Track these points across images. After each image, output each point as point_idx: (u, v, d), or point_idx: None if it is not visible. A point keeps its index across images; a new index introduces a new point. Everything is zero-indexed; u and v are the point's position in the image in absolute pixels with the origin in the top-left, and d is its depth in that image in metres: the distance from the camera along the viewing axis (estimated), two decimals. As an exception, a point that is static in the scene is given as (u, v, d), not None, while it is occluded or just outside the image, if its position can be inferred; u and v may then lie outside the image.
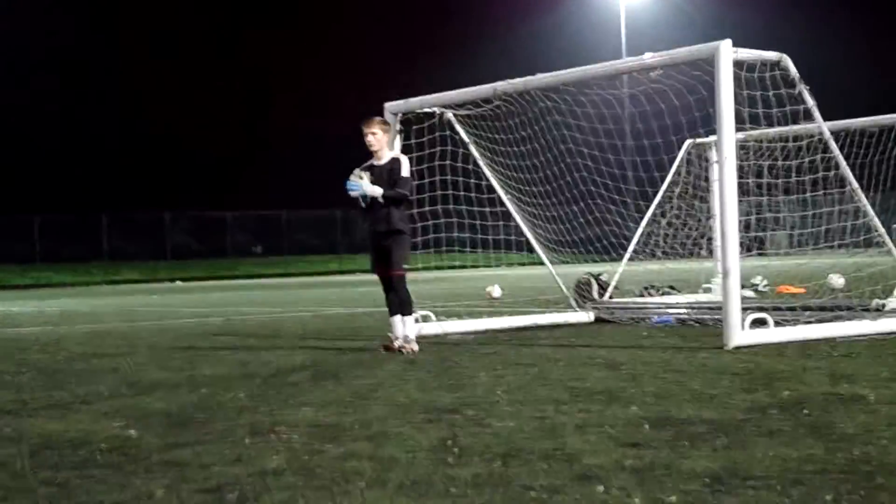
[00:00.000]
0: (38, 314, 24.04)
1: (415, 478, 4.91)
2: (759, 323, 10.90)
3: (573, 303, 15.34)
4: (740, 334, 10.41)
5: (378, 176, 11.31)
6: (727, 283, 10.58)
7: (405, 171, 11.33)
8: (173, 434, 6.33)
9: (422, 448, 5.62)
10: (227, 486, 4.87)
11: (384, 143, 11.50)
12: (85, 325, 18.80)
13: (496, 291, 22.17)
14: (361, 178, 11.15)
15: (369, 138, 11.41)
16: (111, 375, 9.85)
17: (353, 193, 11.22)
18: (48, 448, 6.02)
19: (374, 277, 11.64)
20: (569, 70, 13.05)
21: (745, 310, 10.77)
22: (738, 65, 10.98)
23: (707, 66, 11.18)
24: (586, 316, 14.68)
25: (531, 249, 15.69)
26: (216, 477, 5.07)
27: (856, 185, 12.72)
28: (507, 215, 15.20)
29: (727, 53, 10.77)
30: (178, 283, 55.19)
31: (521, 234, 15.49)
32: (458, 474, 4.95)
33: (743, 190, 11.62)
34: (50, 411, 7.57)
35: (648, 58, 12.09)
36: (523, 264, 24.55)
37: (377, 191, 11.10)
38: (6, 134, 72.52)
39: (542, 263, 15.93)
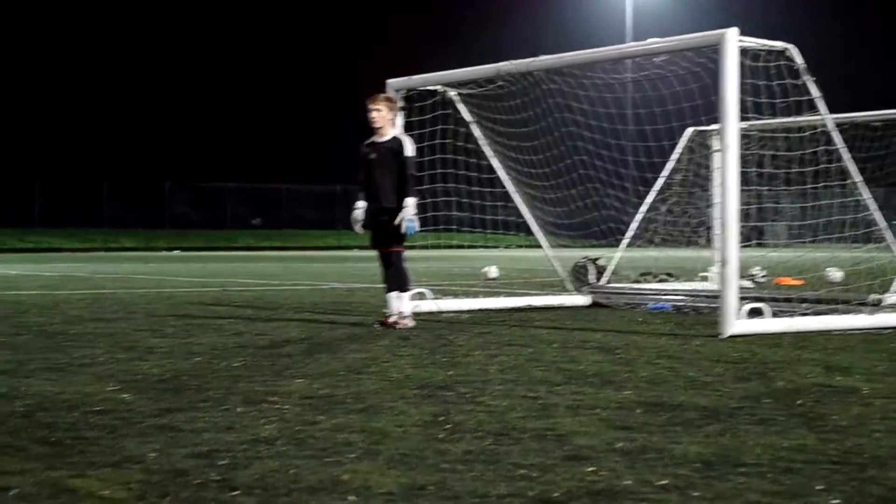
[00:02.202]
0: (36, 278, 24.05)
1: (406, 451, 4.93)
2: (755, 313, 10.92)
3: (569, 286, 15.36)
4: (736, 323, 10.42)
5: (380, 154, 11.32)
6: (725, 272, 10.60)
7: (409, 150, 11.34)
8: (167, 399, 6.35)
9: (414, 423, 5.64)
10: (219, 452, 4.89)
11: (387, 120, 11.50)
12: (83, 290, 18.81)
13: (493, 272, 22.18)
14: (405, 219, 11.12)
15: (373, 114, 11.41)
16: (107, 340, 9.87)
17: (414, 230, 11.24)
18: (43, 409, 6.03)
19: (372, 253, 11.66)
20: (573, 53, 13.04)
21: (742, 299, 10.78)
22: (743, 53, 10.96)
23: (712, 54, 11.18)
24: (582, 299, 14.70)
25: (529, 231, 15.69)
26: (208, 443, 5.09)
27: (858, 178, 12.72)
28: (507, 196, 15.20)
29: (733, 41, 10.76)
30: (177, 252, 55.22)
31: (520, 215, 15.49)
32: (450, 449, 4.97)
33: (744, 179, 11.60)
34: (46, 373, 7.58)
35: (653, 43, 12.09)
36: (521, 246, 24.59)
37: (412, 208, 11.14)
38: (8, 98, 72.48)
39: (539, 246, 15.93)
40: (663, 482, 4.34)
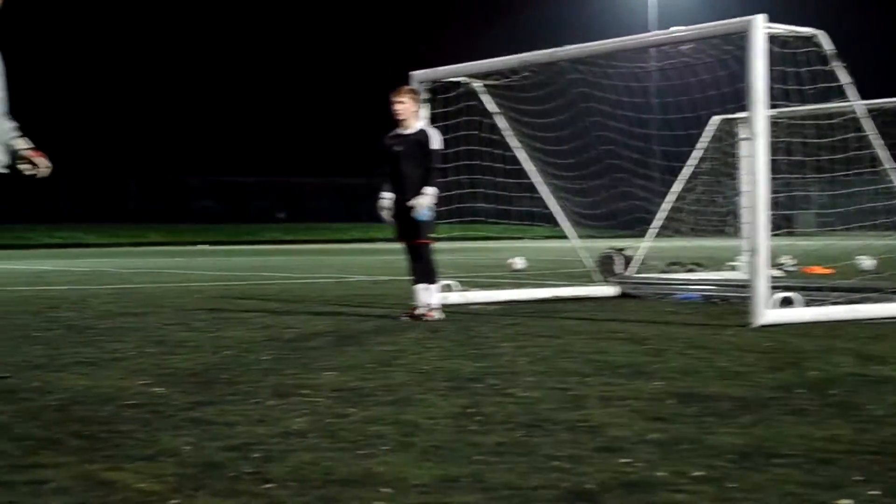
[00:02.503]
0: (66, 273, 24.16)
1: (438, 443, 4.93)
2: (786, 302, 10.86)
3: (597, 276, 15.31)
4: (767, 313, 10.37)
5: (406, 146, 11.31)
6: (755, 262, 10.54)
7: (435, 143, 11.32)
8: (198, 393, 6.37)
9: (445, 415, 5.63)
10: (252, 444, 4.90)
11: (412, 112, 11.49)
12: (112, 284, 18.88)
13: (519, 263, 22.13)
14: (420, 205, 11.12)
15: (397, 107, 11.40)
16: (137, 334, 9.91)
17: (427, 217, 11.23)
18: (77, 403, 6.06)
19: (398, 246, 11.66)
20: (598, 42, 12.99)
21: (772, 289, 10.72)
22: (770, 40, 10.88)
23: (739, 41, 11.11)
24: (610, 290, 14.66)
25: (556, 222, 15.65)
26: (241, 436, 5.10)
27: (890, 165, 12.63)
28: (533, 187, 15.16)
29: (761, 28, 10.69)
30: (202, 246, 55.35)
31: (546, 206, 15.45)
32: (482, 441, 4.96)
33: (773, 167, 11.53)
34: (78, 367, 7.62)
35: (680, 31, 12.02)
36: (547, 237, 24.52)
37: (429, 197, 11.13)
38: (34, 97, 72.85)
39: (566, 236, 15.89)
40: (698, 473, 4.32)
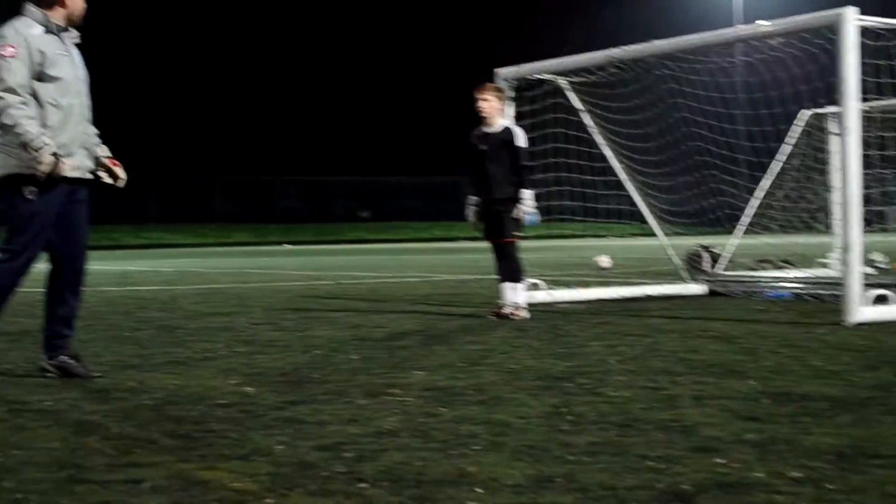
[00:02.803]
0: (154, 274, 24.47)
1: (530, 443, 4.90)
2: (881, 300, 10.66)
3: (685, 275, 15.18)
4: (862, 311, 10.19)
5: (492, 144, 11.29)
6: (848, 258, 10.37)
7: (522, 141, 11.30)
8: (289, 392, 6.40)
9: (536, 414, 5.60)
10: (344, 444, 4.91)
11: (496, 109, 11.46)
12: (200, 285, 19.09)
13: (605, 261, 22.01)
14: (525, 212, 11.13)
15: (481, 104, 11.38)
16: (227, 334, 9.99)
17: (535, 222, 11.24)
18: (170, 402, 6.12)
19: (482, 244, 11.64)
20: (685, 37, 12.85)
21: (866, 286, 10.54)
22: (862, 33, 10.69)
23: (829, 34, 10.94)
24: (699, 288, 14.52)
25: (642, 220, 15.52)
26: (333, 435, 5.11)
27: None
28: (619, 185, 15.06)
29: (852, 21, 10.51)
30: (287, 246, 55.76)
31: (632, 203, 15.34)
32: (574, 441, 4.92)
33: (865, 163, 11.34)
34: (170, 367, 7.70)
35: (766, 25, 11.87)
36: (634, 234, 24.37)
37: (530, 200, 11.13)
38: (123, 98, 73.84)
39: (652, 234, 15.76)
40: (796, 474, 4.25)
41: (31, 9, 7.06)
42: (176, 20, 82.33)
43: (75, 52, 7.22)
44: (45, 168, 6.78)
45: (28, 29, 6.94)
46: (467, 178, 11.58)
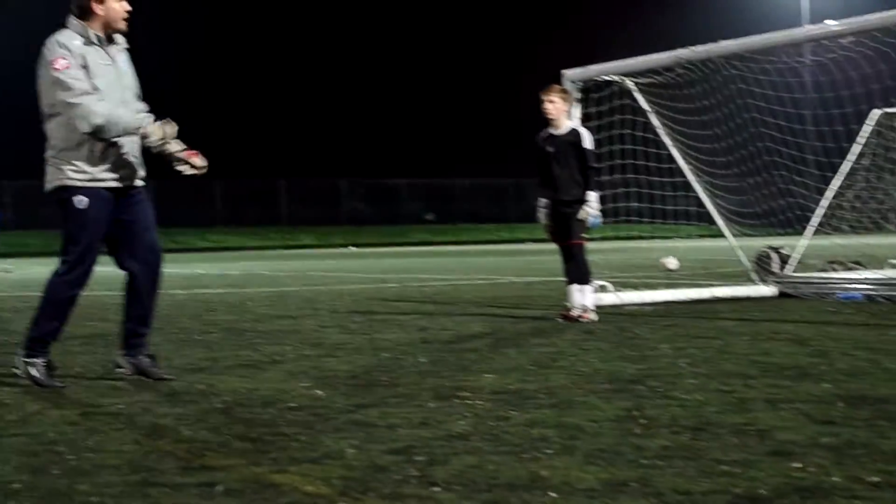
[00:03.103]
0: (221, 276, 24.65)
1: (603, 446, 4.86)
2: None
3: (754, 276, 15.04)
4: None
5: (558, 146, 11.25)
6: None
7: (589, 143, 11.26)
8: (359, 395, 6.40)
9: (607, 418, 5.56)
10: (416, 447, 4.89)
11: (562, 111, 11.42)
12: (266, 287, 19.19)
13: (672, 263, 21.87)
14: (590, 213, 11.09)
15: (547, 106, 11.34)
16: (295, 336, 10.03)
17: (598, 224, 11.21)
18: (240, 405, 6.14)
19: (547, 246, 11.59)
20: (754, 37, 12.76)
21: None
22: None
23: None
24: (768, 290, 14.37)
25: (710, 221, 15.41)
26: (404, 439, 5.10)
27: None
28: (686, 186, 14.96)
29: (925, 20, 10.37)
30: (353, 248, 55.98)
31: (700, 204, 15.23)
32: (647, 445, 4.87)
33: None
34: (239, 370, 7.73)
35: (834, 25, 11.73)
36: (702, 236, 24.20)
37: (595, 202, 11.10)
38: (187, 102, 74.49)
39: (719, 235, 15.63)
40: (875, 479, 4.17)
41: (73, 21, 7.11)
42: (238, 21, 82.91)
43: (121, 60, 7.24)
44: (158, 137, 6.94)
45: (70, 40, 6.99)
46: (535, 181, 11.54)
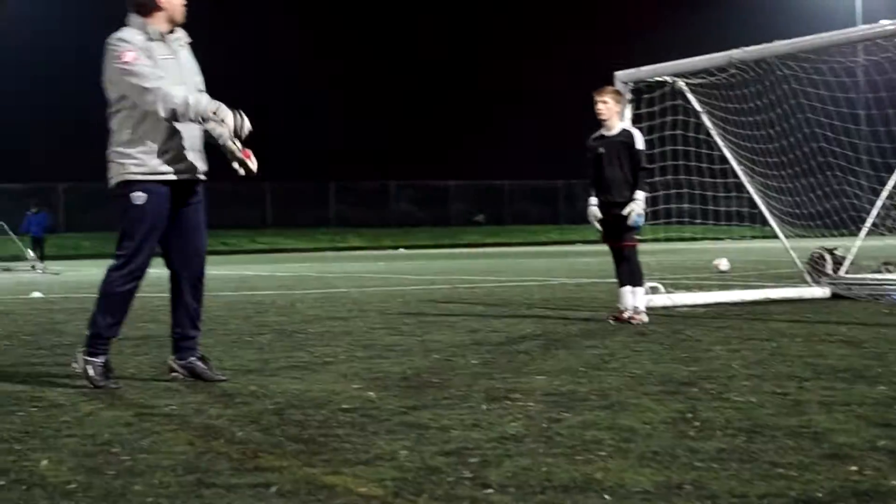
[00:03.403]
0: (271, 278, 24.75)
1: (657, 448, 4.83)
2: None
3: (807, 277, 14.91)
4: None
5: (610, 147, 11.21)
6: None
7: (640, 143, 11.21)
8: (411, 397, 6.40)
9: (661, 420, 5.53)
10: (469, 449, 4.88)
11: (615, 112, 11.37)
12: (316, 289, 19.25)
13: (724, 264, 21.77)
14: (634, 210, 11.03)
15: (600, 106, 11.30)
16: (346, 338, 10.05)
17: (639, 223, 11.16)
18: (293, 406, 6.15)
19: (598, 247, 11.54)
20: (807, 37, 12.65)
21: None
22: None
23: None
24: (821, 291, 14.25)
25: (763, 222, 15.30)
26: (456, 440, 5.09)
27: None
28: (738, 187, 14.87)
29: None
30: (402, 250, 56.05)
31: (752, 206, 15.13)
32: (701, 447, 4.84)
33: None
34: (291, 371, 7.75)
35: (888, 24, 11.60)
36: (755, 237, 24.03)
37: (641, 202, 11.04)
38: (242, 102, 74.71)
39: (771, 236, 15.53)
40: (934, 483, 4.13)
41: (133, 18, 7.18)
42: (288, 21, 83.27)
43: (184, 54, 7.31)
44: (231, 125, 6.93)
45: (133, 36, 7.06)
46: (587, 182, 11.50)
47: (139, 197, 7.01)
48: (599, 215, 11.30)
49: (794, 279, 15.25)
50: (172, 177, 7.12)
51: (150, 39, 7.10)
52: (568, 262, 30.88)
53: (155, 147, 7.04)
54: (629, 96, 13.28)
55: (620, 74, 13.59)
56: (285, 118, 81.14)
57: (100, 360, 7.10)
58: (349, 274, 26.25)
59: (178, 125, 7.09)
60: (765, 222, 15.20)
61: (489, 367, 7.77)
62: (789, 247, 15.25)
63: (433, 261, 36.18)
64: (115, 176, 7.13)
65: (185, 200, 7.22)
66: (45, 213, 37.76)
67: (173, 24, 7.24)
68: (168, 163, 7.09)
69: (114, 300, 7.14)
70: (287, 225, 68.32)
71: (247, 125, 7.00)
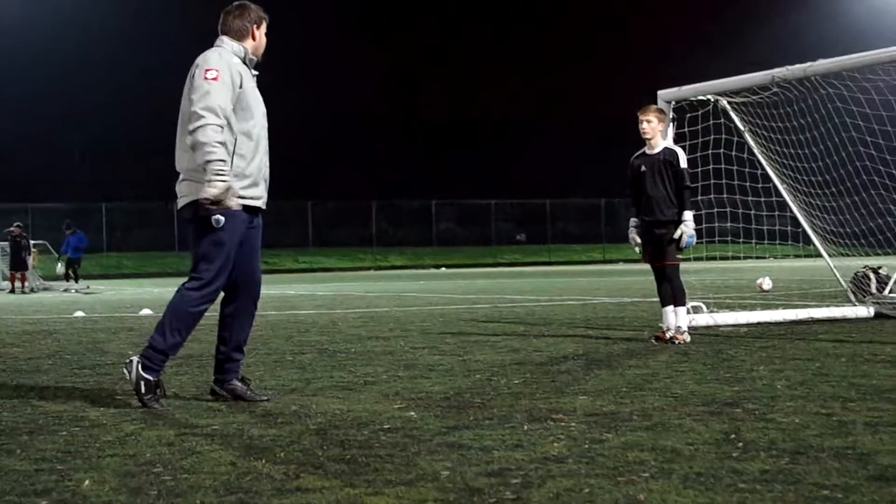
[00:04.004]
0: (312, 297, 24.81)
1: (700, 470, 4.79)
2: None
3: (851, 297, 14.80)
4: None
5: (652, 166, 11.17)
6: None
7: (683, 161, 11.16)
8: (452, 417, 6.38)
9: (704, 441, 5.48)
10: (511, 470, 4.86)
11: (658, 131, 11.34)
12: (358, 308, 19.27)
13: (767, 283, 21.65)
14: (685, 232, 10.98)
15: (644, 126, 11.26)
16: (387, 357, 10.05)
17: (691, 244, 11.11)
18: (334, 426, 6.14)
19: (640, 266, 11.49)
20: (850, 56, 12.56)
21: None
22: None
23: None
24: (866, 311, 14.13)
25: (806, 240, 15.21)
26: (498, 461, 5.07)
27: None
28: (781, 205, 14.79)
29: None
30: (444, 269, 56.07)
31: (795, 224, 15.04)
32: (745, 469, 4.80)
33: None
34: (332, 391, 7.75)
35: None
36: (798, 256, 23.89)
37: (691, 222, 10.99)
38: (284, 124, 75.15)
39: (814, 255, 15.43)
40: (983, 506, 4.07)
41: (227, 40, 7.25)
42: (332, 43, 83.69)
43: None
44: (213, 193, 6.84)
45: (230, 57, 7.11)
46: (629, 200, 11.47)
47: (219, 220, 6.98)
48: (639, 239, 11.27)
49: (838, 298, 15.14)
50: (249, 202, 7.14)
51: (244, 63, 7.20)
52: (610, 281, 30.79)
53: (235, 170, 7.02)
54: (671, 115, 13.24)
55: (663, 93, 13.56)
56: (328, 137, 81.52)
57: (153, 377, 7.07)
58: (391, 293, 26.27)
59: (256, 154, 7.12)
60: (808, 241, 15.11)
61: (531, 386, 7.75)
62: (833, 266, 15.15)
63: (475, 280, 36.16)
64: (188, 195, 7.11)
65: (251, 225, 7.24)
66: (79, 234, 38.19)
67: (255, 58, 7.34)
68: (246, 187, 7.11)
69: (185, 319, 7.11)
70: (329, 244, 68.56)
71: (231, 203, 6.91)
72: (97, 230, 59.93)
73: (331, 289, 30.23)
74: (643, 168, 11.23)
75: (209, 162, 6.82)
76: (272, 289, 30.52)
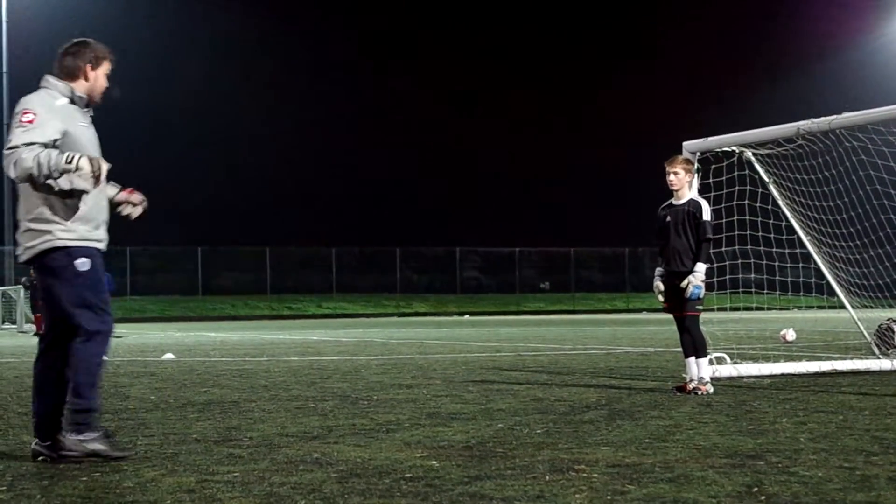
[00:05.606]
0: (335, 343, 24.81)
1: (722, 524, 4.77)
2: None
3: (875, 349, 14.72)
4: None
5: (676, 217, 11.18)
6: None
7: (707, 214, 11.15)
8: (474, 467, 6.37)
9: (727, 494, 5.46)
10: (531, 522, 4.85)
11: (685, 182, 11.36)
12: (381, 355, 19.26)
13: (790, 335, 21.56)
14: (692, 283, 10.97)
15: (671, 177, 11.28)
16: (410, 405, 10.03)
17: (697, 295, 11.09)
18: (355, 475, 6.14)
19: (663, 316, 11.46)
20: (875, 109, 12.56)
21: None
22: None
23: None
24: (890, 363, 14.05)
25: (830, 292, 15.16)
26: (519, 512, 5.06)
27: None
28: (805, 257, 14.76)
29: None
30: (467, 316, 56.03)
31: (819, 276, 15.00)
32: (768, 523, 4.78)
33: None
34: (354, 438, 7.75)
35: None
36: (822, 307, 23.81)
37: (701, 273, 10.98)
38: (308, 169, 75.53)
39: (838, 307, 15.37)
40: None
41: (52, 80, 7.02)
42: (355, 91, 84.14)
43: (92, 128, 7.14)
44: (87, 169, 6.59)
45: (53, 100, 6.89)
46: (656, 249, 11.47)
47: (84, 263, 6.81)
48: (662, 287, 11.26)
49: (862, 350, 15.06)
50: (96, 244, 6.96)
51: (73, 103, 6.96)
52: (633, 331, 30.70)
53: (79, 212, 6.84)
54: (696, 166, 13.26)
55: (688, 144, 13.57)
56: (352, 184, 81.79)
57: (98, 431, 6.81)
58: (414, 340, 26.26)
59: (90, 195, 6.87)
60: (832, 293, 15.07)
61: (553, 436, 7.73)
62: (857, 318, 15.09)
63: (498, 328, 36.11)
64: (40, 243, 6.82)
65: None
66: (108, 276, 38.15)
67: (91, 99, 7.10)
68: (91, 230, 6.91)
69: (98, 370, 6.87)
70: (353, 290, 68.66)
71: (104, 166, 6.69)
72: (121, 274, 60.14)
73: (354, 335, 30.24)
74: (668, 218, 11.25)
75: (53, 166, 6.57)
76: (295, 334, 30.53)
